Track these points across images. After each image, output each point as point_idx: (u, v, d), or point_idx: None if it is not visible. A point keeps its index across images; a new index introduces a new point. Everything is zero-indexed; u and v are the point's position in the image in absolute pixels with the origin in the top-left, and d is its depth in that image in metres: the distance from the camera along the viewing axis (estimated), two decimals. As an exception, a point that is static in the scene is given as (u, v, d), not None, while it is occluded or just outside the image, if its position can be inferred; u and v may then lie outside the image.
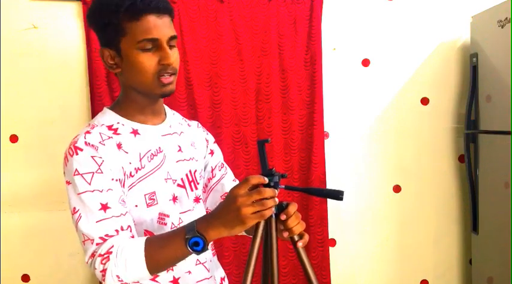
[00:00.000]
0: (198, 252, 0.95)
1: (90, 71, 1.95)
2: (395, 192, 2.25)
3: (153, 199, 1.09)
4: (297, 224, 1.06)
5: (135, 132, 1.10)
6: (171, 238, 0.98)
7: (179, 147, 1.17)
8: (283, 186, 1.06)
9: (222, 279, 1.27)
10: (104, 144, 1.04)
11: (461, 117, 2.22)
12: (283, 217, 1.04)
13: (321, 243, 2.12)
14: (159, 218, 1.10)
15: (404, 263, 2.28)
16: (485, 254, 2.10)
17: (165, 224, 1.10)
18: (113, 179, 1.02)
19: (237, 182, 1.37)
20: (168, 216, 1.11)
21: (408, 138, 2.24)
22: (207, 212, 1.34)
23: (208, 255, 1.21)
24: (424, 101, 2.24)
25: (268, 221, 1.05)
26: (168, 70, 1.05)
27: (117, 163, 1.04)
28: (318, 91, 2.09)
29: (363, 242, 2.24)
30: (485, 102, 2.07)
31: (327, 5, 2.11)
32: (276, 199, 0.95)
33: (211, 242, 1.21)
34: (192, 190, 1.18)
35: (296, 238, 1.08)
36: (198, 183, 1.21)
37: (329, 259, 2.15)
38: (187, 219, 1.12)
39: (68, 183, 1.03)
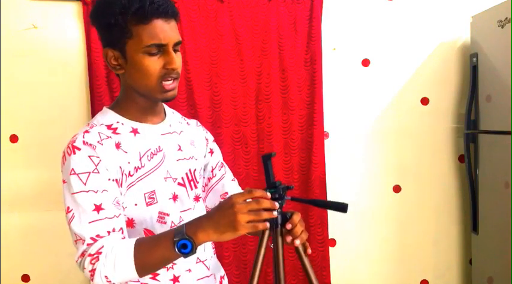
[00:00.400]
0: (186, 254, 0.94)
1: (90, 71, 1.95)
2: (395, 192, 2.25)
3: (153, 198, 1.09)
4: (301, 232, 1.08)
5: (134, 131, 1.10)
6: (160, 240, 0.98)
7: (179, 146, 1.17)
8: (289, 197, 1.07)
9: (222, 277, 1.28)
10: (102, 144, 1.04)
11: (461, 117, 2.22)
12: (288, 226, 1.06)
13: (321, 243, 2.12)
14: (159, 217, 1.10)
15: (404, 263, 2.28)
16: (485, 254, 2.10)
17: (165, 223, 1.10)
18: (109, 179, 1.02)
19: (236, 182, 1.38)
20: (168, 215, 1.11)
21: (408, 138, 2.24)
22: (207, 211, 1.34)
23: (209, 253, 1.21)
24: (424, 101, 2.24)
25: (274, 231, 1.07)
26: (172, 74, 1.06)
27: (114, 163, 1.04)
28: (318, 91, 2.09)
29: (363, 242, 2.24)
30: (485, 102, 2.07)
31: (327, 5, 2.11)
32: (275, 213, 0.95)
33: (211, 242, 1.22)
34: (192, 189, 1.18)
35: (300, 247, 1.10)
36: (197, 182, 1.21)
37: (329, 259, 2.15)
38: (188, 218, 1.12)
39: (64, 181, 1.03)
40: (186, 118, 1.30)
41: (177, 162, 1.15)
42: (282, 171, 2.10)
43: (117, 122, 1.10)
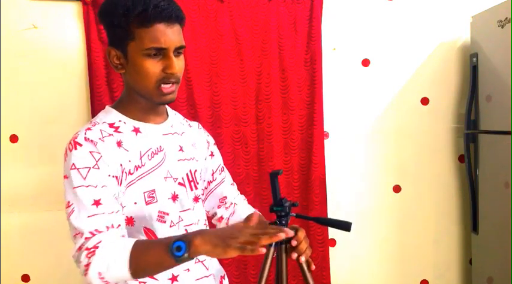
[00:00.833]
0: (178, 258, 0.91)
1: (90, 71, 1.95)
2: (395, 192, 2.25)
3: (153, 197, 1.09)
4: (306, 248, 1.10)
5: (136, 131, 1.11)
6: (158, 243, 0.97)
7: (180, 146, 1.18)
8: (294, 214, 1.09)
9: (222, 277, 1.28)
10: (104, 141, 1.05)
11: (461, 117, 2.22)
12: (294, 243, 1.08)
13: (321, 243, 2.12)
14: (158, 216, 1.10)
15: (404, 263, 2.28)
16: (485, 254, 2.10)
17: (164, 222, 1.10)
18: (109, 175, 1.03)
19: (235, 186, 1.39)
20: (167, 214, 1.11)
21: (408, 138, 2.24)
22: (207, 214, 1.34)
23: None
24: (424, 101, 2.24)
25: (278, 248, 1.09)
26: (171, 79, 1.06)
27: (115, 160, 1.05)
28: (318, 91, 2.09)
29: (363, 242, 2.24)
30: (485, 102, 2.07)
31: (327, 5, 2.11)
32: (283, 234, 0.90)
33: None
34: (192, 189, 1.18)
35: (304, 263, 1.12)
36: (197, 183, 1.21)
37: (329, 259, 2.15)
38: (187, 218, 1.14)
39: (65, 177, 1.04)
40: (188, 120, 1.30)
41: (178, 162, 1.15)
42: (282, 171, 2.10)
43: (119, 121, 1.11)
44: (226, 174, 1.37)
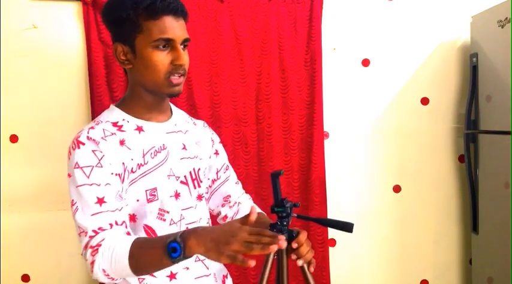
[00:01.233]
0: (174, 259, 0.92)
1: (90, 71, 1.95)
2: (395, 192, 2.25)
3: (154, 195, 1.10)
4: (307, 251, 1.09)
5: (139, 129, 1.12)
6: (155, 242, 0.97)
7: (183, 145, 1.18)
8: (296, 215, 1.07)
9: (225, 276, 1.28)
10: (106, 140, 1.06)
11: (461, 117, 2.22)
12: (294, 245, 1.07)
13: (321, 243, 2.12)
14: (158, 213, 1.11)
15: (404, 263, 2.28)
16: (485, 254, 2.10)
17: (164, 220, 1.12)
18: (112, 173, 1.05)
19: (240, 185, 1.38)
20: (167, 212, 1.12)
21: (408, 138, 2.24)
22: (211, 212, 1.34)
23: None
24: (424, 101, 2.24)
25: (279, 249, 1.07)
26: (180, 70, 1.08)
27: (117, 159, 1.06)
28: (318, 91, 2.09)
29: (363, 242, 2.24)
30: (485, 102, 2.07)
31: (327, 5, 2.11)
32: (275, 247, 0.88)
33: None
34: (195, 187, 1.19)
35: (305, 265, 1.10)
36: (201, 181, 1.21)
37: (329, 259, 2.15)
38: (189, 216, 1.15)
39: (69, 175, 1.06)
40: (193, 119, 1.31)
41: (181, 161, 1.16)
42: (284, 172, 2.09)
43: (123, 120, 1.12)
44: (231, 173, 1.37)
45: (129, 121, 1.12)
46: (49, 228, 2.02)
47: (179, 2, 1.08)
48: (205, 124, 1.34)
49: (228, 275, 1.30)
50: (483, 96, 2.08)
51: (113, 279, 1.01)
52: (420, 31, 2.21)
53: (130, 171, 1.08)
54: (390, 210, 2.26)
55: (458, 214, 2.29)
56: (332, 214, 2.16)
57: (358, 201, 2.23)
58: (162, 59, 1.06)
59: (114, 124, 1.11)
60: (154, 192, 1.10)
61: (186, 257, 0.92)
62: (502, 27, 1.89)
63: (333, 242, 2.21)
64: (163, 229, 1.11)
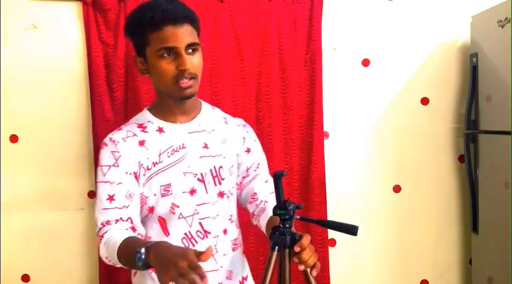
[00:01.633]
0: (139, 266, 1.01)
1: (90, 71, 1.95)
2: (395, 192, 2.25)
3: (168, 191, 1.21)
4: (310, 256, 1.09)
5: (160, 130, 1.24)
6: (134, 246, 1.04)
7: (205, 143, 1.26)
8: (298, 217, 1.07)
9: (244, 279, 1.31)
10: (126, 141, 1.20)
11: (461, 117, 2.22)
12: (297, 249, 1.07)
13: (321, 243, 2.12)
14: (171, 207, 1.22)
15: (404, 263, 2.28)
16: (485, 254, 2.10)
17: (174, 213, 1.22)
18: (126, 173, 1.18)
19: (269, 183, 1.37)
20: (178, 206, 1.22)
21: (408, 138, 2.24)
22: (245, 210, 1.39)
23: (223, 248, 1.26)
24: (424, 101, 2.24)
25: (281, 253, 1.06)
26: (186, 75, 1.16)
27: (134, 158, 1.20)
28: (318, 91, 2.09)
29: (363, 242, 2.24)
30: (485, 102, 2.07)
31: (327, 5, 2.11)
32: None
33: (234, 238, 1.31)
34: (215, 185, 1.26)
35: (309, 269, 1.09)
36: (222, 179, 1.27)
37: (329, 259, 2.15)
38: (204, 211, 1.24)
39: (95, 172, 1.24)
40: (228, 118, 1.37)
41: (200, 159, 1.25)
42: (286, 173, 2.09)
43: (148, 122, 1.25)
44: (262, 171, 1.39)
45: (153, 123, 1.24)
46: (49, 228, 2.02)
47: (180, 8, 1.16)
48: (241, 123, 1.39)
49: (249, 279, 1.31)
50: (483, 96, 2.08)
51: (114, 264, 1.13)
52: (420, 31, 2.21)
53: (146, 169, 1.19)
54: (390, 210, 2.26)
55: (458, 214, 2.29)
56: (332, 214, 2.16)
57: (358, 201, 2.23)
58: (167, 66, 1.15)
59: (140, 125, 1.24)
60: (168, 187, 1.20)
61: (147, 267, 1.00)
62: (502, 27, 1.89)
63: (333, 242, 2.22)
64: (172, 222, 1.22)
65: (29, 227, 2.02)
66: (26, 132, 1.99)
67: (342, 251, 2.22)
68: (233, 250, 1.30)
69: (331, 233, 2.17)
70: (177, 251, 0.96)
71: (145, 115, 1.27)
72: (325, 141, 2.15)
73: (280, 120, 2.09)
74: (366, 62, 2.20)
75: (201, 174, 1.24)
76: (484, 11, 2.04)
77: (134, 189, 1.19)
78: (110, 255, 1.11)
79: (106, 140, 1.21)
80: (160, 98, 1.26)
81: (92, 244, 2.04)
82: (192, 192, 1.23)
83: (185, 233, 1.22)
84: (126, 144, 1.20)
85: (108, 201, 1.16)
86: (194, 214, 1.23)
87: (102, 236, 1.14)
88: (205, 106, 1.34)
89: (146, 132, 1.23)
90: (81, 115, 2.02)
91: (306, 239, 1.08)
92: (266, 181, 1.38)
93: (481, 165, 2.12)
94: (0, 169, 1.98)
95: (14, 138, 1.99)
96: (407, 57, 2.21)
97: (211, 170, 1.25)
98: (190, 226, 1.23)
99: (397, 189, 2.25)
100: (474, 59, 2.10)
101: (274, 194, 1.38)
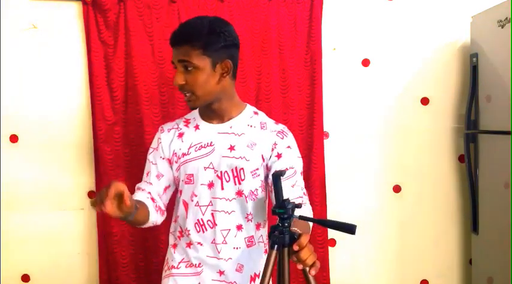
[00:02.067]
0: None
1: (90, 71, 1.95)
2: (395, 192, 2.25)
3: (190, 180, 1.38)
4: (309, 255, 1.08)
5: (196, 127, 1.41)
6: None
7: (231, 145, 1.36)
8: (297, 216, 1.06)
9: (257, 275, 1.36)
10: (169, 132, 1.42)
11: (461, 117, 2.22)
12: (295, 247, 1.06)
13: (321, 243, 2.12)
14: (191, 195, 1.38)
15: (404, 263, 2.28)
16: (485, 254, 2.10)
17: (192, 201, 1.38)
18: (161, 157, 1.41)
19: (297, 189, 1.40)
20: (196, 196, 1.37)
21: (408, 138, 2.24)
22: (268, 207, 1.43)
23: (235, 242, 1.36)
24: (424, 101, 2.24)
25: (280, 252, 1.06)
26: (179, 89, 1.32)
27: (170, 147, 1.40)
28: (318, 91, 2.09)
29: (362, 242, 2.24)
30: (485, 102, 2.07)
31: (327, 5, 2.11)
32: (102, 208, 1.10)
33: (250, 235, 1.39)
34: (235, 184, 1.36)
35: (307, 268, 1.08)
36: (242, 179, 1.36)
37: (329, 259, 2.15)
38: (219, 205, 1.36)
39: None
40: (268, 123, 1.43)
41: (222, 158, 1.36)
42: (286, 172, 2.09)
43: (193, 118, 1.43)
44: (292, 176, 1.39)
45: (195, 120, 1.42)
46: (49, 228, 2.03)
47: (181, 31, 1.29)
48: (277, 129, 1.41)
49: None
50: (483, 96, 2.08)
51: None
52: (420, 31, 2.21)
53: (178, 157, 1.39)
54: (390, 210, 2.26)
55: (458, 214, 2.29)
56: (332, 214, 2.16)
57: (358, 201, 2.23)
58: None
59: (186, 120, 1.44)
60: (191, 177, 1.37)
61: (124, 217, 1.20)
62: (502, 27, 1.89)
63: (333, 242, 2.22)
64: (191, 207, 1.38)
65: (29, 227, 2.02)
66: (26, 132, 1.99)
67: (342, 251, 2.22)
68: (248, 246, 1.38)
69: (331, 233, 2.17)
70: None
71: (194, 113, 1.44)
72: (325, 141, 2.15)
73: (280, 120, 2.08)
74: (366, 62, 2.20)
75: (221, 171, 1.36)
76: (484, 11, 2.04)
77: (165, 172, 1.41)
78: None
79: (160, 127, 1.45)
80: None
81: (92, 244, 2.05)
82: (210, 185, 1.36)
83: (197, 220, 1.37)
84: (168, 134, 1.42)
85: (145, 174, 1.43)
86: (209, 205, 1.37)
87: (135, 191, 1.41)
88: (247, 111, 1.43)
89: (187, 127, 1.41)
90: (81, 115, 2.02)
91: (305, 238, 1.08)
92: (292, 186, 1.39)
93: (481, 165, 2.12)
94: (0, 169, 1.98)
95: (14, 138, 1.99)
96: (407, 57, 2.21)
97: (232, 170, 1.36)
98: (203, 215, 1.37)
99: (397, 189, 2.25)
100: (474, 59, 2.10)
101: (298, 199, 1.39)
